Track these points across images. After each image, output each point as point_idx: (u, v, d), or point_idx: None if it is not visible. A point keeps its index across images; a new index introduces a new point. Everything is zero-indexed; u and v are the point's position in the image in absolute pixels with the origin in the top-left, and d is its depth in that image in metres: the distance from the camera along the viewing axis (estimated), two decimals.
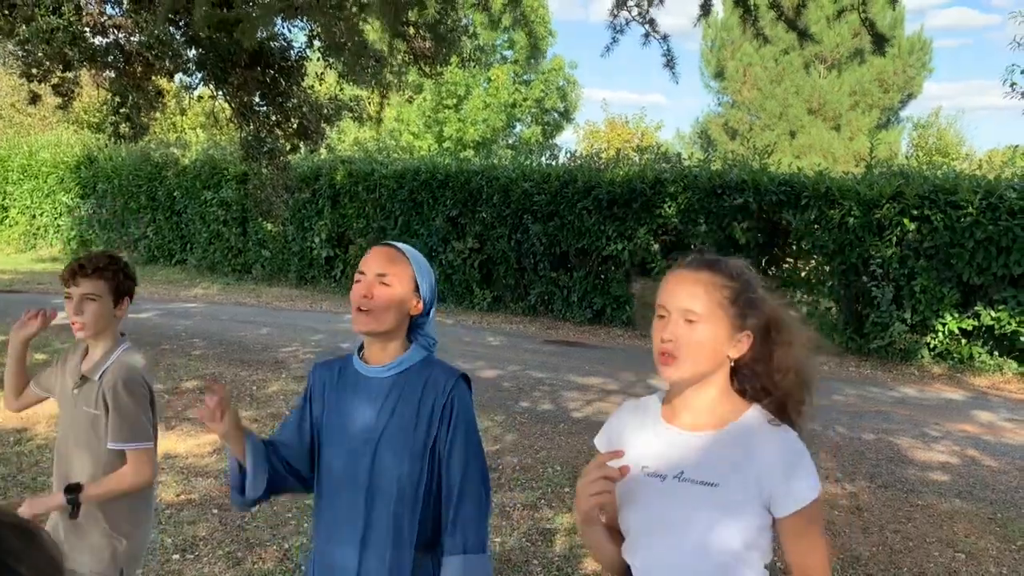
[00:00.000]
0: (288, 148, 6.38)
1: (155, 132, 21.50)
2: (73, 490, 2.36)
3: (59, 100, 6.07)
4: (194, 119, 23.28)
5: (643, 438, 1.72)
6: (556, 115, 28.35)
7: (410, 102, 19.86)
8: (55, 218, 17.92)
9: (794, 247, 10.51)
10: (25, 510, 2.32)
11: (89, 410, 2.46)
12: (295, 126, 6.15)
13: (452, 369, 2.04)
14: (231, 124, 6.55)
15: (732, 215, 10.50)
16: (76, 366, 2.54)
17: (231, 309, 11.53)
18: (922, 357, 9.33)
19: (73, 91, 6.05)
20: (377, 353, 2.02)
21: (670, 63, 4.42)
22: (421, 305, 2.05)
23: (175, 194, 15.71)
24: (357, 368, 2.04)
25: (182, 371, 7.50)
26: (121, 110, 6.16)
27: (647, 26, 4.34)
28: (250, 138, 6.21)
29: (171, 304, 11.88)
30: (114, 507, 2.47)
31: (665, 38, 4.36)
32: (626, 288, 11.19)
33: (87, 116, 22.70)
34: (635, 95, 69.36)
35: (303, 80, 6.21)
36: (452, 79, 24.35)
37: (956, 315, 9.10)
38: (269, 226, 14.30)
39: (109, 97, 6.08)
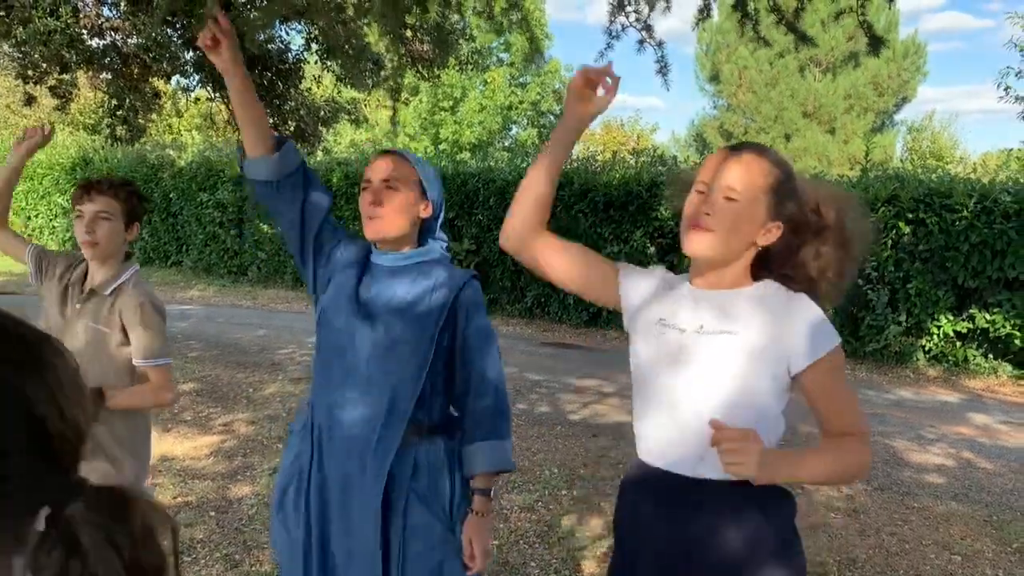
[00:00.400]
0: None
1: (151, 134, 21.49)
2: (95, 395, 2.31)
3: (56, 102, 6.07)
4: (190, 121, 23.27)
5: (666, 297, 1.77)
6: (552, 117, 28.38)
7: (406, 104, 19.87)
8: (50, 219, 17.89)
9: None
10: None
11: (96, 326, 2.45)
12: (292, 128, 6.16)
13: (465, 271, 2.12)
14: (228, 126, 6.55)
15: None
16: (77, 281, 2.52)
17: (228, 311, 11.52)
18: (917, 360, 9.36)
19: (70, 93, 6.05)
20: (393, 251, 2.09)
21: (663, 69, 4.43)
22: (430, 208, 2.08)
23: (171, 196, 15.68)
24: (374, 258, 2.11)
25: (179, 373, 7.49)
26: (118, 112, 6.16)
27: (643, 32, 4.35)
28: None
29: (168, 306, 11.79)
30: (117, 429, 2.47)
31: (660, 44, 4.37)
32: None
33: (82, 118, 22.70)
34: (631, 97, 69.49)
35: (300, 83, 6.22)
36: (449, 81, 24.39)
37: (951, 318, 9.13)
38: (265, 228, 14.30)
39: (106, 99, 6.08)
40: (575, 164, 12.32)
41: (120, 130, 6.28)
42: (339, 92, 7.83)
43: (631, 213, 11.08)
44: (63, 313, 2.53)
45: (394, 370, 1.99)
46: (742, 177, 1.59)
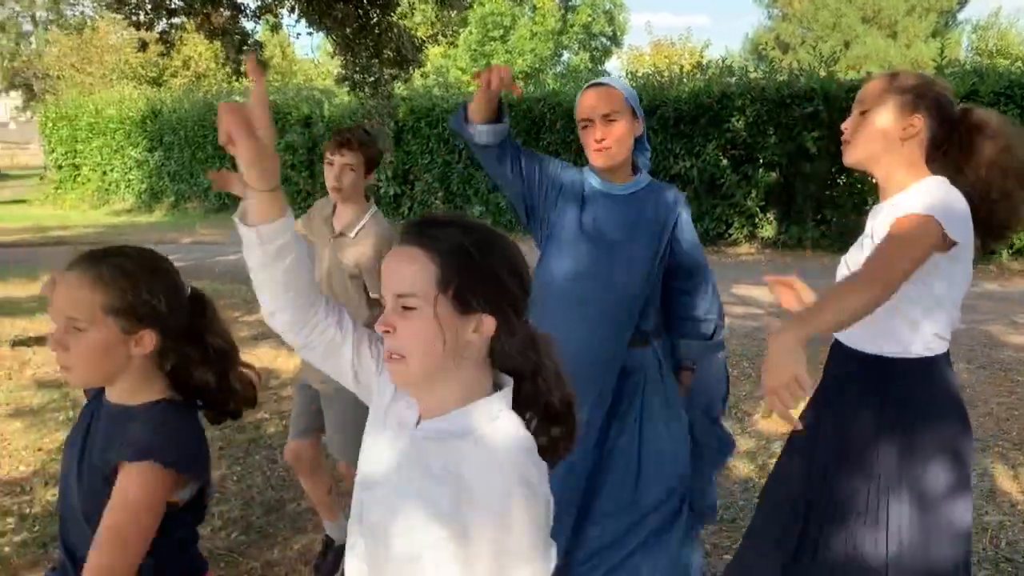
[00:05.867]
0: (390, 76, 6.65)
1: (212, 81, 21.85)
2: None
3: (162, 48, 6.38)
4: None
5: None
6: (604, 40, 28.02)
7: (458, 32, 19.82)
8: (125, 172, 18.35)
9: None
10: None
11: (346, 263, 2.80)
12: (392, 55, 6.40)
13: (672, 188, 2.34)
14: (335, 57, 6.80)
15: (802, 124, 10.52)
16: (328, 219, 2.87)
17: (313, 248, 11.94)
18: (1001, 255, 9.38)
19: (176, 39, 6.35)
20: (613, 180, 2.30)
21: None
22: (640, 124, 2.29)
23: None
24: (597, 186, 2.30)
25: None
26: (244, 47, 6.44)
27: None
28: (355, 71, 6.47)
29: None
30: None
31: None
32: (696, 207, 11.30)
33: (144, 71, 23.15)
34: (676, 16, 67.78)
35: (395, 11, 6.44)
36: (497, 10, 24.19)
37: None
38: None
39: (224, 40, 6.34)
40: (641, 81, 12.32)
41: (245, 66, 6.55)
42: (415, 17, 7.92)
43: (702, 126, 11.11)
44: (326, 245, 2.87)
45: (622, 287, 2.23)
46: (870, 89, 1.85)
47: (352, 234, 2.82)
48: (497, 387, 1.19)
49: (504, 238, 1.20)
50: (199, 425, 1.51)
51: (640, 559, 2.25)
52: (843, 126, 1.90)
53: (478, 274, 1.14)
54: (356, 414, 2.87)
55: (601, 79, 2.29)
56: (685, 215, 2.32)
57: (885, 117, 1.82)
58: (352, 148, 2.78)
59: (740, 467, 3.97)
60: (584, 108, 2.22)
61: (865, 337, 1.86)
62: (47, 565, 3.13)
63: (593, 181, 2.30)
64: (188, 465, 1.41)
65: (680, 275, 2.33)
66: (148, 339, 1.42)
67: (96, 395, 1.56)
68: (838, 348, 1.96)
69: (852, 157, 1.89)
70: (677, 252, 2.30)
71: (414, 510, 1.14)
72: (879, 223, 1.83)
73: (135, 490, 1.34)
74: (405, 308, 1.14)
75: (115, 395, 1.47)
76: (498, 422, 1.14)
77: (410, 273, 1.14)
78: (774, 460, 3.97)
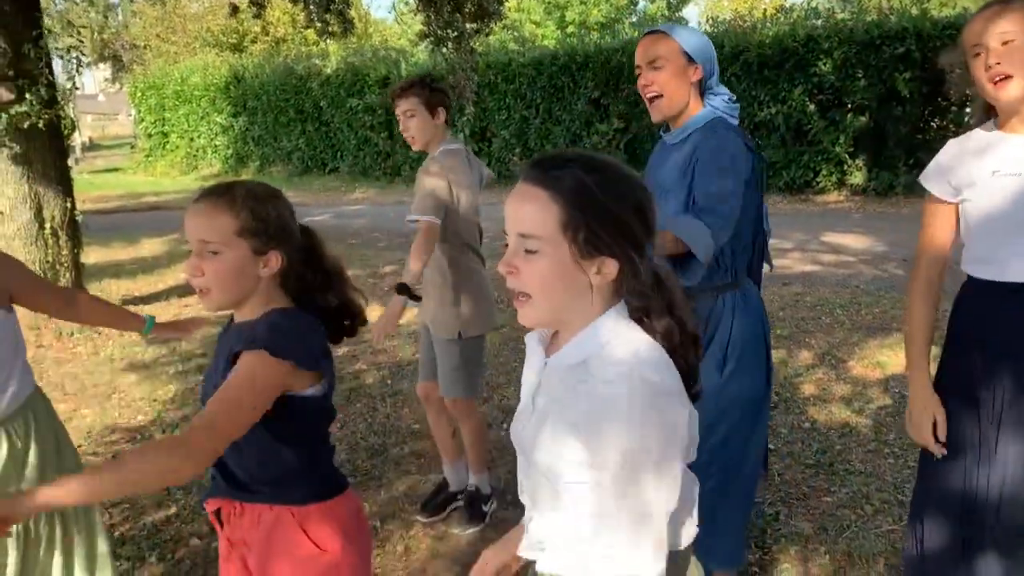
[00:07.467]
0: (474, 30, 6.66)
1: (290, 45, 22.19)
2: (402, 290, 2.71)
3: (254, 9, 6.53)
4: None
5: (990, 156, 1.85)
6: None
7: None
8: (211, 139, 18.85)
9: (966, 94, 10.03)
10: (378, 336, 2.74)
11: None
12: (474, 9, 6.41)
13: (714, 120, 2.17)
14: (417, 14, 6.84)
15: (893, 66, 10.12)
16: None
17: (395, 208, 12.11)
18: None
19: (266, 1, 6.49)
20: (673, 129, 2.25)
21: None
22: (699, 71, 2.16)
23: (321, 104, 16.21)
24: (664, 139, 2.31)
25: (375, 259, 8.11)
26: (332, 6, 6.54)
27: None
28: (437, 27, 6.51)
29: (338, 208, 12.61)
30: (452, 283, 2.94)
31: None
32: (782, 154, 11.01)
33: (225, 38, 23.65)
34: None
35: None
36: None
37: None
38: None
39: (309, 1, 6.46)
40: (723, 28, 12.01)
41: (334, 24, 6.67)
42: None
43: (788, 71, 10.79)
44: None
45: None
46: (1015, 19, 1.71)
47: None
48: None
49: (628, 176, 1.19)
50: (320, 329, 1.59)
51: None
52: (991, 62, 1.75)
53: (602, 217, 1.12)
54: (458, 352, 3.00)
55: (656, 26, 2.24)
56: (703, 144, 2.14)
57: None
58: (404, 95, 2.84)
59: (836, 412, 3.94)
60: (637, 57, 2.21)
61: None
62: (169, 506, 3.34)
63: (663, 135, 2.31)
64: (306, 361, 1.48)
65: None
66: (275, 259, 1.52)
67: (224, 332, 1.66)
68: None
69: (1018, 88, 1.75)
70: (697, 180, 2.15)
71: (549, 425, 1.18)
72: None
73: (243, 371, 1.41)
74: (528, 251, 1.14)
75: (241, 316, 1.57)
76: (619, 336, 1.16)
77: (533, 214, 1.14)
78: (870, 405, 3.94)
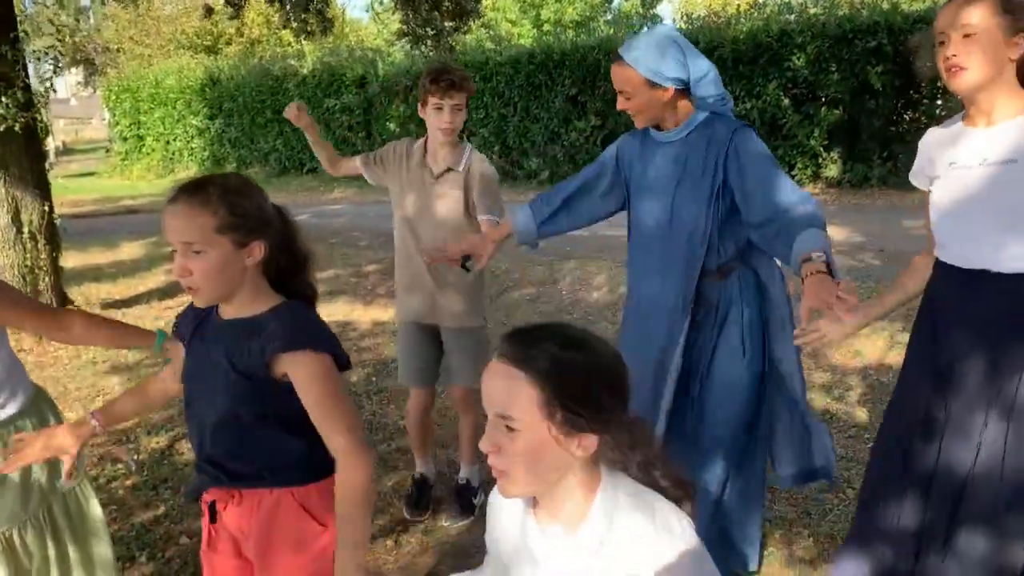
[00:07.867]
0: (452, 28, 6.69)
1: (265, 47, 22.07)
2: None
3: (230, 11, 6.51)
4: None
5: (950, 148, 1.97)
6: None
7: None
8: (188, 141, 18.65)
9: (936, 86, 10.18)
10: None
11: (456, 192, 2.91)
12: (452, 6, 6.43)
13: (732, 121, 2.28)
14: (395, 12, 6.84)
15: (866, 60, 10.24)
16: (426, 162, 2.95)
17: (375, 207, 12.07)
18: None
19: (244, 2, 6.47)
20: (663, 129, 2.34)
21: None
22: (670, 89, 2.20)
23: None
24: (654, 136, 2.37)
25: (357, 258, 8.11)
26: (311, 5, 6.54)
27: None
28: (416, 25, 6.53)
29: (317, 207, 12.57)
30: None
31: None
32: None
33: (199, 40, 23.48)
34: None
35: None
36: None
37: None
38: (392, 126, 14.72)
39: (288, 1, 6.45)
40: (697, 24, 12.10)
41: (312, 23, 6.66)
42: None
43: (762, 66, 10.89)
44: (424, 187, 2.96)
45: (683, 225, 2.29)
46: (974, 11, 1.79)
47: (460, 168, 2.92)
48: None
49: (604, 351, 1.21)
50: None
51: None
52: (948, 53, 1.83)
53: (580, 398, 1.14)
54: (485, 338, 3.06)
55: (619, 50, 2.26)
56: (742, 143, 2.21)
57: (993, 38, 1.79)
58: (462, 89, 2.81)
59: (816, 400, 4.01)
60: (613, 81, 2.28)
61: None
62: (157, 506, 3.35)
63: (653, 134, 2.37)
64: (339, 352, 1.59)
65: (753, 209, 2.17)
66: (257, 248, 1.56)
67: (192, 328, 1.70)
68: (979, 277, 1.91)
69: (969, 81, 1.83)
70: (742, 182, 2.19)
71: None
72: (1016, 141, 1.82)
73: (308, 378, 1.54)
74: (509, 429, 1.16)
75: (232, 311, 1.61)
76: (615, 522, 1.18)
77: (512, 395, 1.15)
78: (849, 393, 4.02)
